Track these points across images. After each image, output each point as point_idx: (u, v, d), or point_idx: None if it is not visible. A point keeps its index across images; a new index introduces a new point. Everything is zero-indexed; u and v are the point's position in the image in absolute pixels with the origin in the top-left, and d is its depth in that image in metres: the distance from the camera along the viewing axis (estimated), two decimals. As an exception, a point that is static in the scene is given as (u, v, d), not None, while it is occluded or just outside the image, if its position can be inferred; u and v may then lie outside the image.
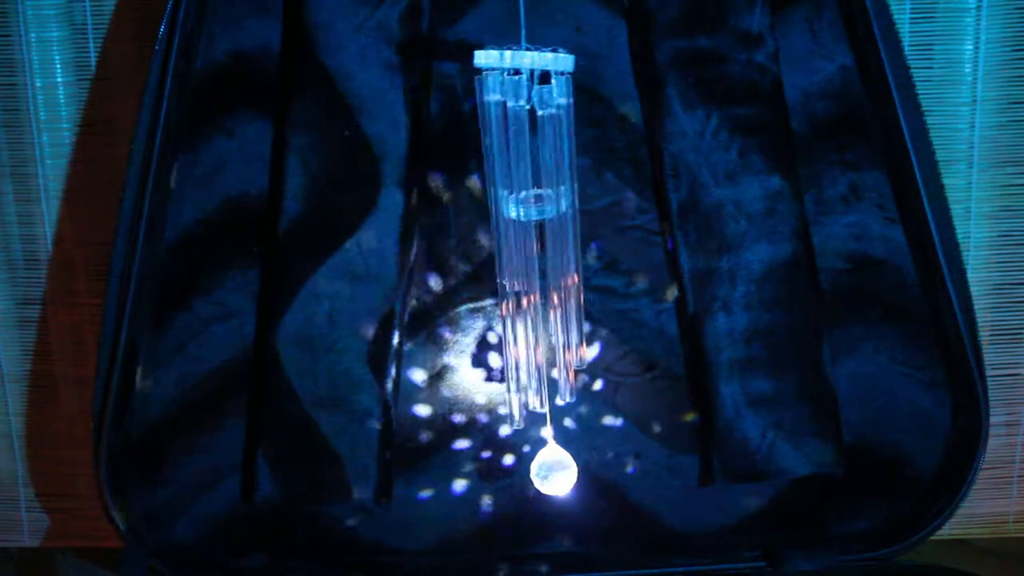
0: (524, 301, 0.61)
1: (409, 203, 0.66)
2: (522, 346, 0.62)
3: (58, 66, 0.76)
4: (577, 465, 0.68)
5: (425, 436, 0.69)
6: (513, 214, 0.61)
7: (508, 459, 0.69)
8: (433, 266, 0.69)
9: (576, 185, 0.63)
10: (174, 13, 0.63)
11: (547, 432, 0.66)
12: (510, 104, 0.62)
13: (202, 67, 0.66)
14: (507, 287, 0.62)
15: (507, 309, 0.62)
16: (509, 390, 0.63)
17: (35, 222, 0.79)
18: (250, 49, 0.67)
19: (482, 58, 0.55)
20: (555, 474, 0.65)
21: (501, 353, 0.68)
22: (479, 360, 0.69)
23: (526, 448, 0.69)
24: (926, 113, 0.65)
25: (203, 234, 0.67)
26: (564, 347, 0.64)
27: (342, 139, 0.65)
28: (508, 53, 0.55)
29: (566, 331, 0.64)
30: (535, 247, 0.63)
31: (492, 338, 0.69)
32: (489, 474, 0.69)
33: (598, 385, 0.69)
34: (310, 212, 0.65)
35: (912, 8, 0.76)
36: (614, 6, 0.67)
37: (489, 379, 0.69)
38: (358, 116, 0.65)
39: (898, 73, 0.65)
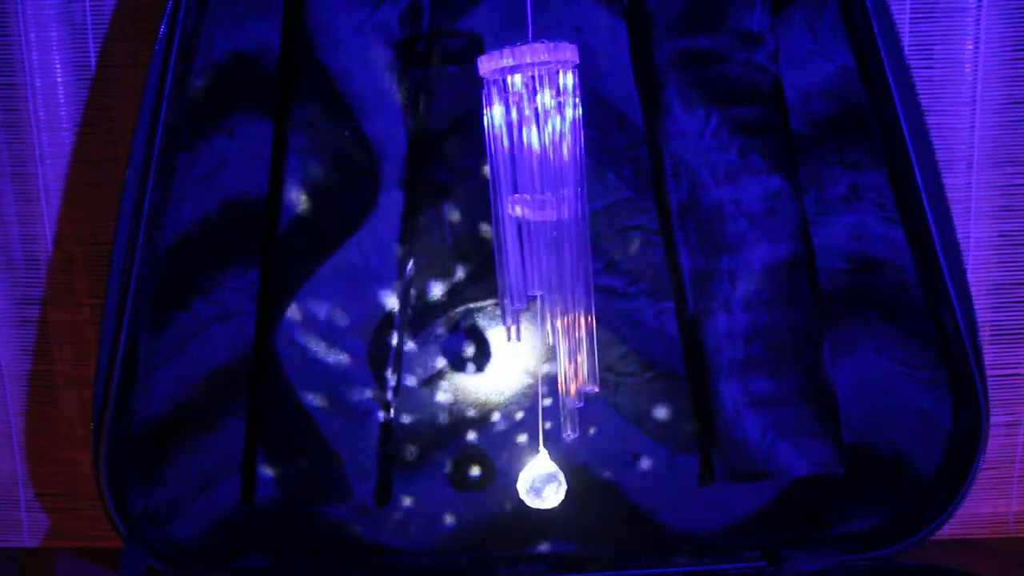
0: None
1: (409, 203, 0.66)
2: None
3: (58, 66, 0.76)
4: (577, 465, 0.67)
5: (425, 435, 0.69)
6: (515, 215, 0.58)
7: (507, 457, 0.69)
8: (433, 266, 0.68)
9: (584, 189, 0.58)
10: (174, 13, 0.63)
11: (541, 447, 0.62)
12: (515, 106, 0.57)
13: (202, 67, 0.66)
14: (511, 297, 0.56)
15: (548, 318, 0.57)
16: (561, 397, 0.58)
17: (35, 222, 0.79)
18: (250, 49, 0.67)
19: (484, 63, 0.54)
20: (547, 488, 0.62)
21: (500, 353, 0.68)
22: (479, 360, 0.69)
23: (523, 441, 0.69)
24: (926, 113, 0.65)
25: (203, 234, 0.67)
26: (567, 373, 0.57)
27: (342, 139, 0.65)
28: (507, 52, 0.54)
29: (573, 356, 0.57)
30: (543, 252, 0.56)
31: (492, 338, 0.69)
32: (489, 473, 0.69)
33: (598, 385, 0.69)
34: (310, 212, 0.65)
35: (912, 8, 0.76)
36: (615, 6, 0.67)
37: (490, 379, 0.69)
38: (358, 116, 0.65)
39: (898, 73, 0.65)
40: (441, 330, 0.69)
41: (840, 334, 0.69)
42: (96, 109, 0.77)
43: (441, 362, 0.69)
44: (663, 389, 0.69)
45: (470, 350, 0.69)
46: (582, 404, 0.57)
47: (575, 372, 0.57)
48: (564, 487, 0.61)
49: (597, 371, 0.57)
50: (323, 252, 0.65)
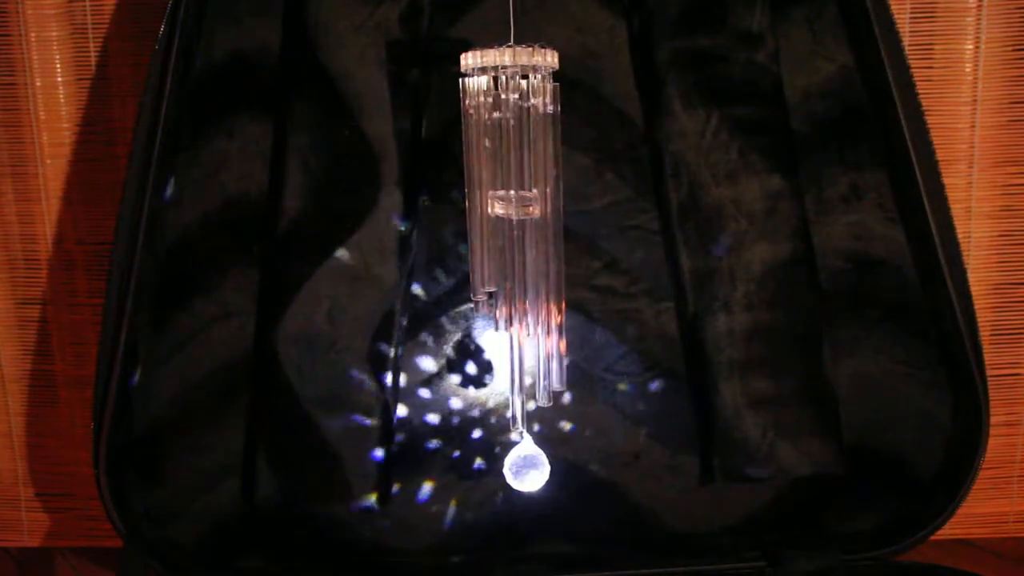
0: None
1: (409, 203, 0.66)
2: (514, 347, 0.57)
3: (58, 66, 0.76)
4: (577, 465, 0.67)
5: (425, 436, 0.69)
6: (496, 213, 0.57)
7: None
8: (433, 266, 0.68)
9: (560, 187, 0.55)
10: (174, 13, 0.63)
11: (523, 431, 0.62)
12: (493, 104, 0.54)
13: (202, 67, 0.66)
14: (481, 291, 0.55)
15: (502, 312, 0.58)
16: (512, 393, 0.60)
17: (35, 222, 0.79)
18: (250, 49, 0.67)
19: (467, 60, 0.54)
20: (528, 471, 0.62)
21: (499, 354, 0.68)
22: (479, 360, 0.69)
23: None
24: (926, 113, 0.65)
25: (203, 234, 0.67)
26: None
27: (342, 139, 0.65)
28: (490, 53, 0.53)
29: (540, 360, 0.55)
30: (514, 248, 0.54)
31: (492, 338, 0.69)
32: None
33: (598, 385, 0.69)
34: (310, 212, 0.65)
35: (912, 8, 0.76)
36: (615, 6, 0.67)
37: (488, 379, 0.69)
38: (358, 116, 0.65)
39: (898, 73, 0.65)
40: (441, 330, 0.69)
41: (840, 334, 0.69)
42: (96, 109, 0.77)
43: (441, 363, 0.69)
44: (663, 389, 0.69)
45: (470, 351, 0.69)
46: (549, 404, 0.56)
47: (546, 370, 0.55)
48: (547, 468, 0.60)
49: (565, 371, 0.55)
50: (323, 252, 0.65)
